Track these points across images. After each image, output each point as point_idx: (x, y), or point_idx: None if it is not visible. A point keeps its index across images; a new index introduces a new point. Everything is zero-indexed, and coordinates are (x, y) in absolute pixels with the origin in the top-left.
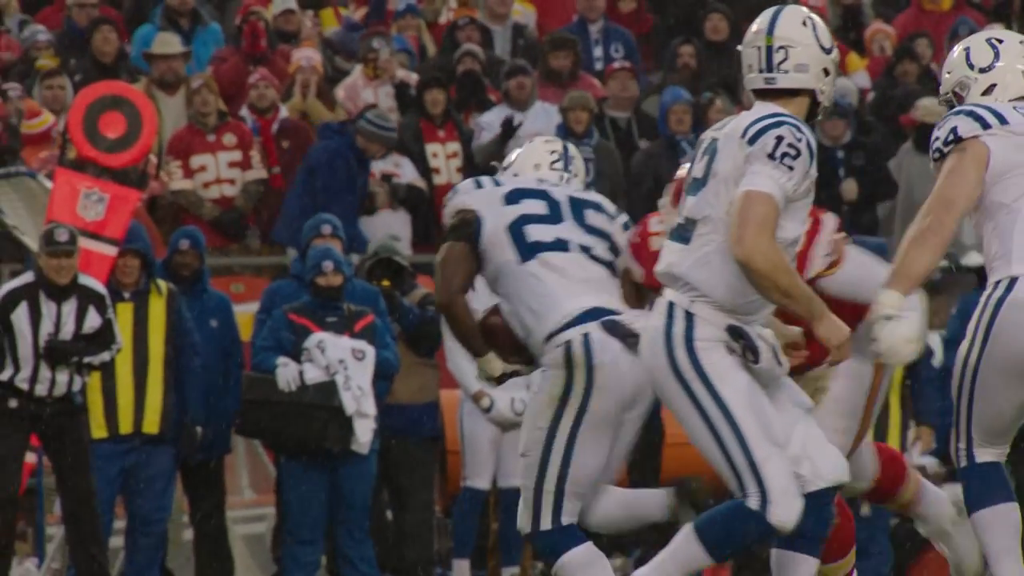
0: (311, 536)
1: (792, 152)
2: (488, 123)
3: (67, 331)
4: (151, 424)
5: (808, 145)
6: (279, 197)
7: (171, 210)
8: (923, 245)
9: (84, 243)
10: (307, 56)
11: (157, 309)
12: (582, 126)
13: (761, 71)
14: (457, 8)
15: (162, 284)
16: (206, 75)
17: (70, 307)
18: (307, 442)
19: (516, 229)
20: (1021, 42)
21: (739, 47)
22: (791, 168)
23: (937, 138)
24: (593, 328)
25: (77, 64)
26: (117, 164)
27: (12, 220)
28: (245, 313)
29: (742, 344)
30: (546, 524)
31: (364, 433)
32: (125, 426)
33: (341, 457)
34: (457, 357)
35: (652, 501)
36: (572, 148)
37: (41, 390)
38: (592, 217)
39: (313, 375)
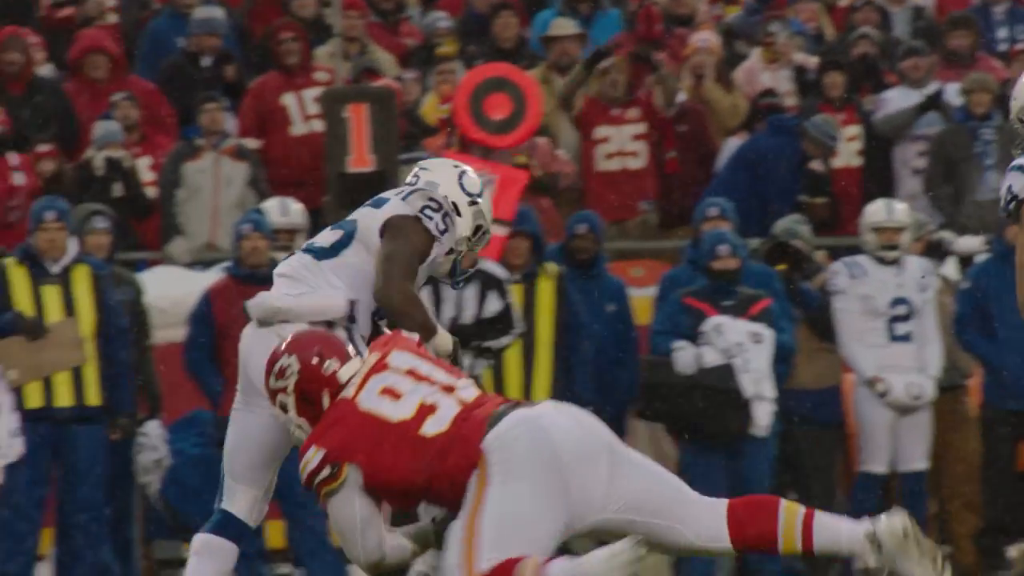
0: None
1: None
2: (890, 100)
3: (468, 315)
4: None
5: None
6: (675, 182)
7: (571, 194)
8: None
9: None
10: (704, 39)
11: (545, 291)
12: (983, 108)
13: None
14: None
15: (551, 266)
16: (616, 57)
17: (471, 291)
18: (706, 425)
19: None
20: None
21: None
22: None
23: (1000, 197)
24: None
25: (477, 50)
26: (503, 145)
27: None
28: (643, 297)
29: None
30: None
31: (763, 416)
32: None
33: (740, 440)
34: (850, 341)
35: None
36: None
37: None
38: None
39: (711, 358)
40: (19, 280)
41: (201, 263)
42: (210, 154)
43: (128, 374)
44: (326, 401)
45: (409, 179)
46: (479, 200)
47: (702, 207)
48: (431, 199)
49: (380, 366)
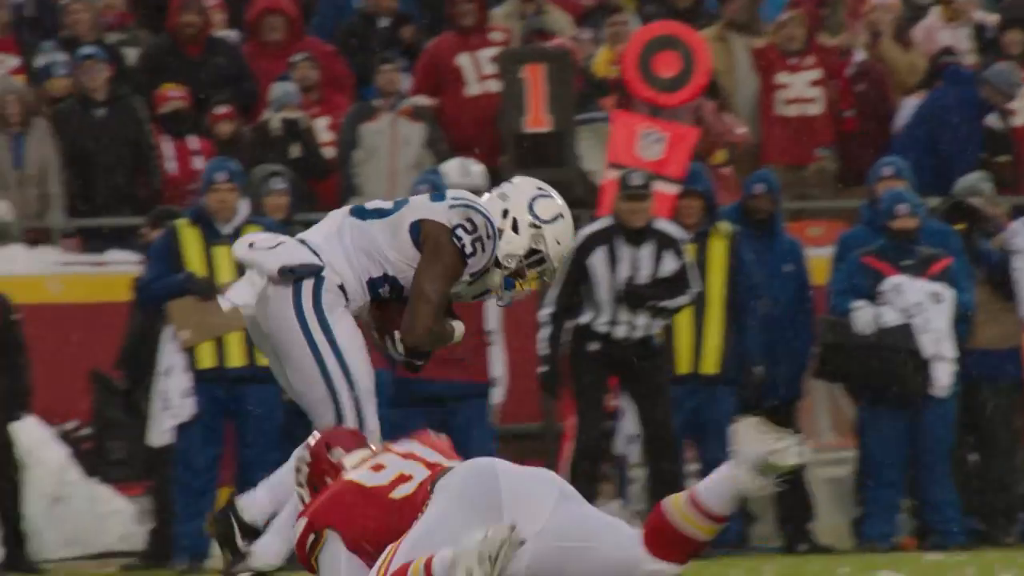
0: (892, 479)
1: None
2: None
3: (644, 275)
4: (709, 365)
5: None
6: (853, 141)
7: (748, 154)
8: None
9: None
10: None
11: (718, 250)
12: None
13: None
14: None
15: (723, 226)
16: (795, 11)
17: (647, 251)
18: (885, 385)
19: None
20: None
21: None
22: None
23: None
24: None
25: (654, 9)
26: (671, 103)
27: (591, 165)
28: (820, 257)
29: None
30: None
31: (943, 376)
32: (683, 367)
33: (920, 400)
34: None
35: None
36: None
37: (620, 333)
38: None
39: (890, 318)
40: (191, 241)
41: None
42: (387, 115)
43: None
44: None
45: (502, 187)
46: (542, 226)
47: (877, 167)
48: (469, 220)
49: (384, 450)
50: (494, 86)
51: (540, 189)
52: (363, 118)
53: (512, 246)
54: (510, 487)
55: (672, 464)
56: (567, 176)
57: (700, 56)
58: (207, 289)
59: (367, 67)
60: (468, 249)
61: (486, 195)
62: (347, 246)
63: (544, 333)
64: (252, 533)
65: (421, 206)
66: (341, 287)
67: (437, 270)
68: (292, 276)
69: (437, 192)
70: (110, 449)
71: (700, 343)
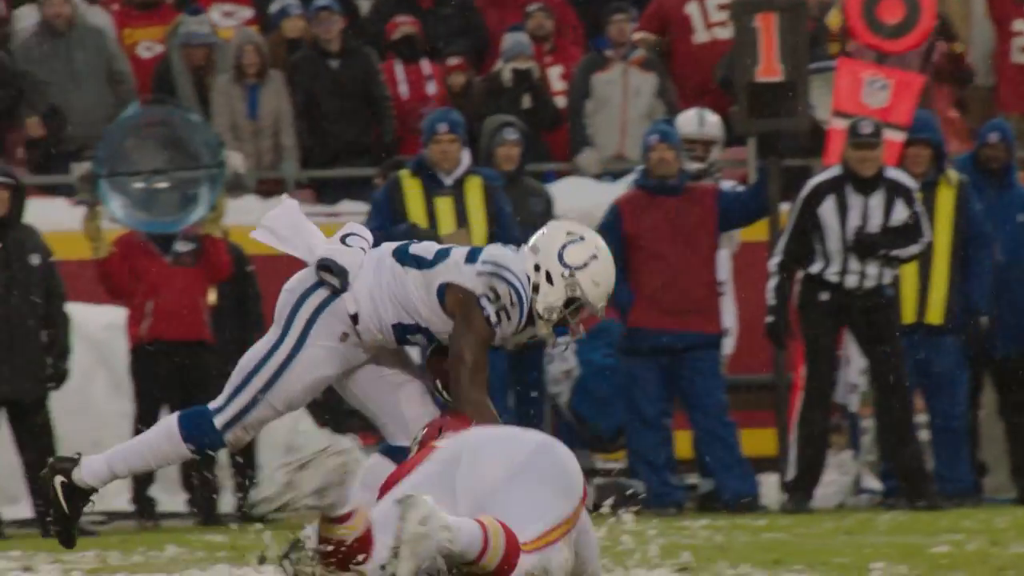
0: None
1: None
2: None
3: (874, 224)
4: (935, 315)
5: None
6: None
7: (981, 101)
8: None
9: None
10: None
11: (945, 200)
12: None
13: None
14: None
15: (952, 174)
16: None
17: (877, 200)
18: None
19: None
20: None
21: None
22: None
23: None
24: None
25: None
26: (897, 50)
27: (823, 115)
28: None
29: None
30: None
31: None
32: (908, 316)
33: None
34: None
35: None
36: None
37: (851, 283)
38: None
39: None
40: (413, 192)
41: (610, 174)
42: (619, 65)
43: None
44: None
45: (534, 238)
46: (576, 273)
47: None
48: (492, 289)
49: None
50: (721, 33)
51: (570, 235)
52: (595, 68)
53: (549, 299)
54: (468, 455)
55: (904, 414)
56: (799, 126)
57: (925, 2)
58: (428, 239)
59: (599, 17)
60: (493, 319)
61: (522, 248)
62: (380, 284)
63: (772, 283)
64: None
65: (452, 268)
66: (354, 316)
67: (469, 338)
68: (320, 273)
69: (472, 252)
70: (342, 399)
71: (926, 293)
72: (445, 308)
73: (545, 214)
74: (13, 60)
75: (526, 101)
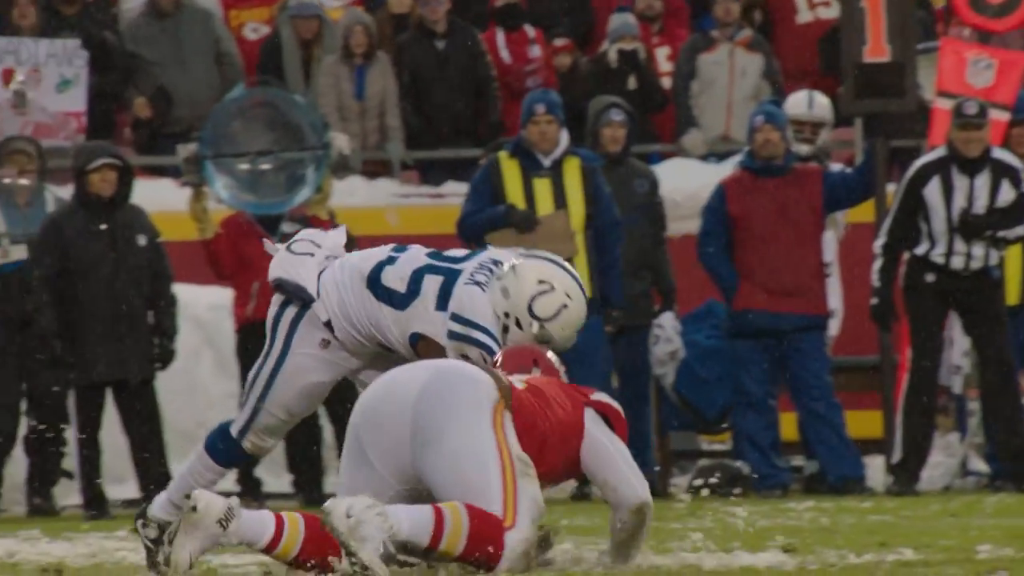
0: None
1: None
2: None
3: (980, 205)
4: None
5: None
6: None
7: None
8: None
9: None
10: None
11: None
12: None
13: None
14: None
15: None
16: None
17: (983, 180)
18: None
19: None
20: None
21: None
22: None
23: None
24: None
25: None
26: (1001, 29)
27: (931, 95)
28: None
29: None
30: None
31: None
32: (1011, 298)
33: None
34: None
35: None
36: None
37: (956, 264)
38: None
39: None
40: (511, 173)
41: (715, 155)
42: (725, 45)
43: (619, 267)
44: None
45: (498, 272)
46: (547, 324)
47: None
48: (463, 356)
49: None
50: (824, 13)
51: (541, 283)
52: (701, 49)
53: (517, 340)
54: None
55: (1009, 396)
56: (906, 106)
57: None
58: (527, 222)
59: None
60: None
61: (492, 285)
62: (355, 306)
63: (877, 265)
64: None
65: (423, 315)
66: (328, 324)
67: None
68: (280, 292)
69: (443, 294)
70: None
71: None
72: (418, 354)
73: (650, 195)
74: (121, 41)
75: (632, 82)
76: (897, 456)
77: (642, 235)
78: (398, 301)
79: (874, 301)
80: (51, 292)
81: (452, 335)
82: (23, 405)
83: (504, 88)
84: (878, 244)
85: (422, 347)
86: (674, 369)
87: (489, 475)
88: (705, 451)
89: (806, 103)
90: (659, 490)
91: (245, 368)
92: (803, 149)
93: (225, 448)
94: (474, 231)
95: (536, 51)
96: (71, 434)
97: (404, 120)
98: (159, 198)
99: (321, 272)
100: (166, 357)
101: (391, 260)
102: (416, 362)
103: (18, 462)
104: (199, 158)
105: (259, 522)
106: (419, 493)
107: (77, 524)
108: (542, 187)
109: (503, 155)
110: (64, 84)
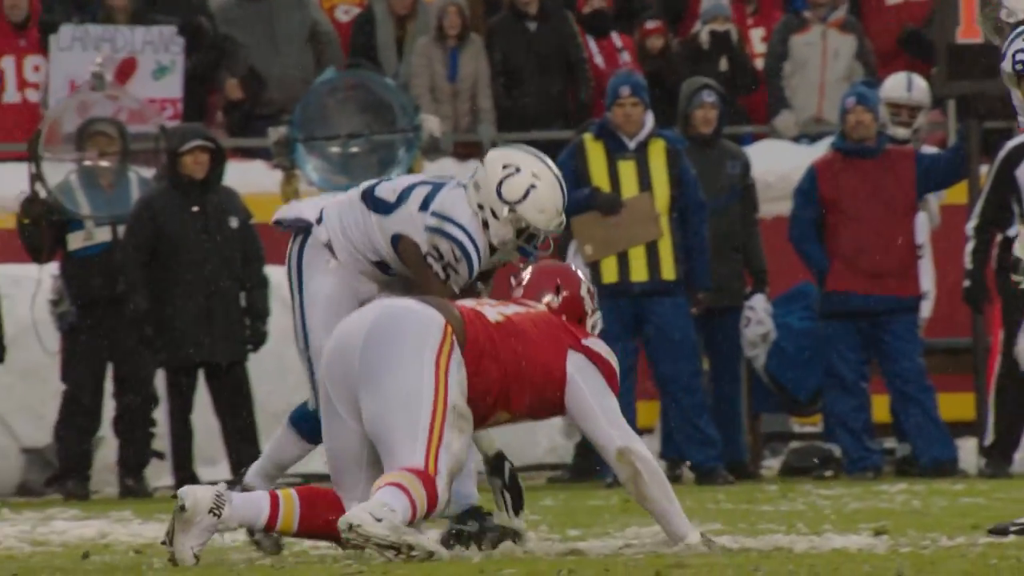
0: None
1: None
2: None
3: None
4: None
5: None
6: None
7: None
8: None
9: None
10: None
11: None
12: None
13: None
14: None
15: None
16: None
17: None
18: None
19: None
20: None
21: None
22: None
23: None
24: None
25: None
26: None
27: None
28: None
29: None
30: None
31: None
32: None
33: None
34: None
35: None
36: None
37: None
38: None
39: None
40: (596, 155)
41: (807, 137)
42: (818, 27)
43: (704, 249)
44: None
45: (472, 172)
46: (517, 208)
47: None
48: (435, 247)
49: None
50: None
51: (506, 168)
52: (793, 30)
53: (500, 233)
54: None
55: None
56: (1000, 88)
57: None
58: (611, 204)
59: None
60: (441, 275)
61: (466, 181)
62: (350, 224)
63: (969, 247)
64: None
65: (405, 217)
66: (328, 245)
67: (430, 286)
68: (281, 228)
69: (428, 198)
70: None
71: None
72: (400, 257)
73: (743, 177)
74: (213, 23)
75: (723, 63)
76: (989, 438)
77: (734, 217)
78: (384, 208)
79: (966, 283)
80: (143, 273)
81: (428, 228)
82: (110, 386)
83: (598, 91)
84: (970, 226)
85: (401, 247)
86: (766, 351)
87: (417, 424)
88: (796, 433)
89: (905, 86)
90: (751, 471)
91: None
92: (900, 132)
93: (309, 424)
94: None
95: (626, 57)
96: (160, 415)
97: (495, 102)
98: (251, 180)
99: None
100: (258, 339)
101: (389, 179)
102: (369, 303)
103: (109, 443)
104: (290, 141)
105: (253, 503)
106: None
107: (169, 505)
108: (627, 169)
109: (588, 137)
110: (160, 71)
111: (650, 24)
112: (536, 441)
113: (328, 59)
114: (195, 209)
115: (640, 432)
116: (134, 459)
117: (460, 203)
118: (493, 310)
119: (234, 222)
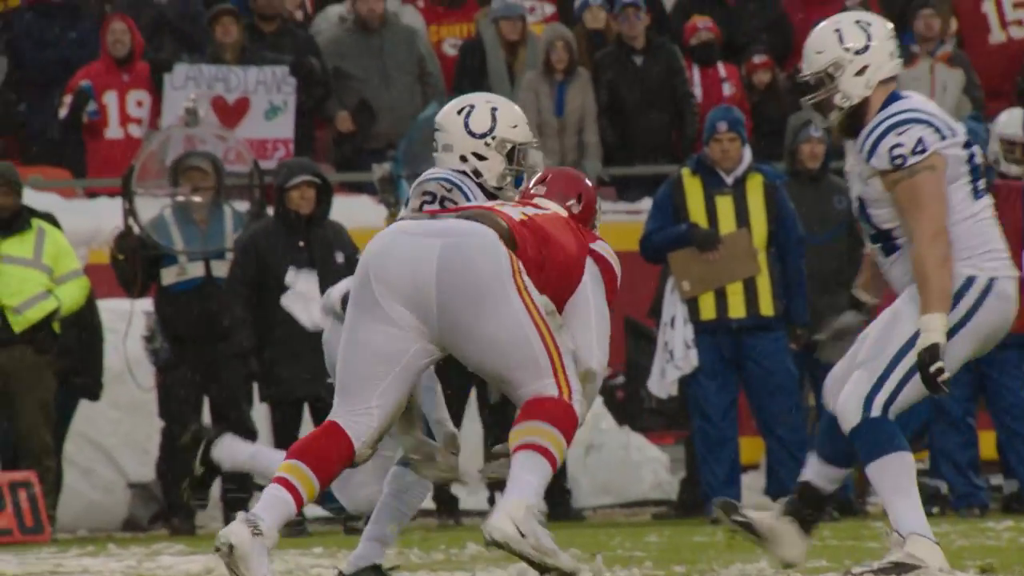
0: None
1: None
2: None
3: None
4: None
5: None
6: None
7: None
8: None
9: None
10: None
11: None
12: None
13: None
14: None
15: None
16: None
17: None
18: None
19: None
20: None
21: None
22: None
23: (900, 145)
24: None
25: None
26: None
27: None
28: None
29: None
30: None
31: None
32: None
33: None
34: None
35: None
36: None
37: None
38: None
39: None
40: (693, 190)
41: None
42: (925, 61)
43: (803, 284)
44: None
45: (437, 141)
46: (492, 135)
47: None
48: (425, 192)
49: None
50: (1017, 33)
51: (461, 111)
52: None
53: (494, 168)
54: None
55: None
56: None
57: None
58: (709, 240)
59: (905, 12)
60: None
61: (441, 154)
62: None
63: None
64: (210, 469)
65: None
66: None
67: None
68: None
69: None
70: (643, 398)
71: None
72: None
73: (849, 211)
74: (322, 61)
75: None
76: None
77: (840, 251)
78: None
79: None
80: (248, 309)
81: (413, 194)
82: (207, 420)
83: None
84: None
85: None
86: None
87: (535, 352)
88: None
89: (1021, 123)
90: (856, 508)
91: (442, 383)
92: (1013, 169)
93: None
94: (657, 249)
95: (728, 89)
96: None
97: (601, 136)
98: (357, 215)
99: None
100: None
101: None
102: (419, 223)
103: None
104: (394, 177)
105: (278, 502)
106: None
107: (282, 542)
108: (724, 205)
109: (686, 172)
110: (273, 111)
111: (757, 59)
112: (641, 477)
113: (432, 96)
114: (301, 244)
115: (744, 469)
116: (237, 494)
117: (430, 168)
118: (516, 210)
119: (340, 257)
